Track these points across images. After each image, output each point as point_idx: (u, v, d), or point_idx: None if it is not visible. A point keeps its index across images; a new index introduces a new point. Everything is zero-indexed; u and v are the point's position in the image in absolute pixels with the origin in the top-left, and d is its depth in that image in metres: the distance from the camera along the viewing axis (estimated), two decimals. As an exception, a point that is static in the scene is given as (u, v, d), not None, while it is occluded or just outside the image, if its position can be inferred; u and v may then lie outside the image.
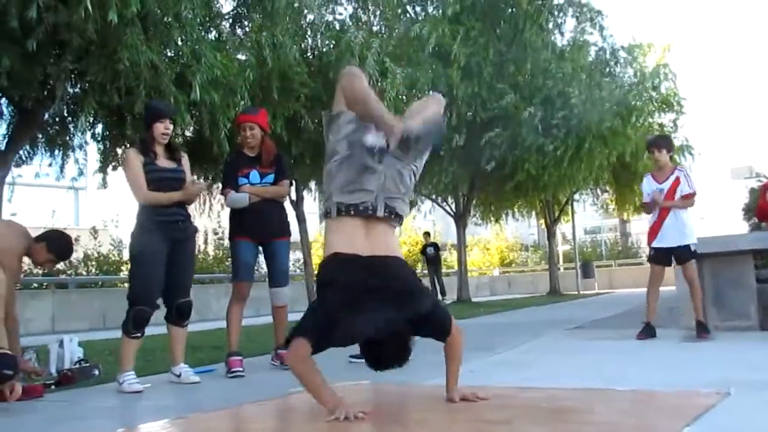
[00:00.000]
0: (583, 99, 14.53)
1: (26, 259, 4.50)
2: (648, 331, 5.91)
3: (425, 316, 2.92)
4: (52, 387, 4.44)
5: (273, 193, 5.01)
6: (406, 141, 2.93)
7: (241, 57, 8.59)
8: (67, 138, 9.47)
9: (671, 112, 19.15)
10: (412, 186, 3.21)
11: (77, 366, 4.85)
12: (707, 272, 6.50)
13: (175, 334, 4.57)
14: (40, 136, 9.17)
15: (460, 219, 18.57)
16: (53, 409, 3.79)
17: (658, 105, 18.31)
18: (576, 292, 23.32)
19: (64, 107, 8.47)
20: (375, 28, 11.35)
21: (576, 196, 23.22)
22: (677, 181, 6.01)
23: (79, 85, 8.12)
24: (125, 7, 6.31)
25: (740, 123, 75.46)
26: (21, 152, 8.88)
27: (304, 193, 12.86)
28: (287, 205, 5.95)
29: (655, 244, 6.02)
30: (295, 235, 7.52)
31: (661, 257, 6.03)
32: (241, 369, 4.78)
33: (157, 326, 4.55)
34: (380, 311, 2.72)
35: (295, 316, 5.32)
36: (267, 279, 5.16)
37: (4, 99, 8.24)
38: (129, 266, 4.64)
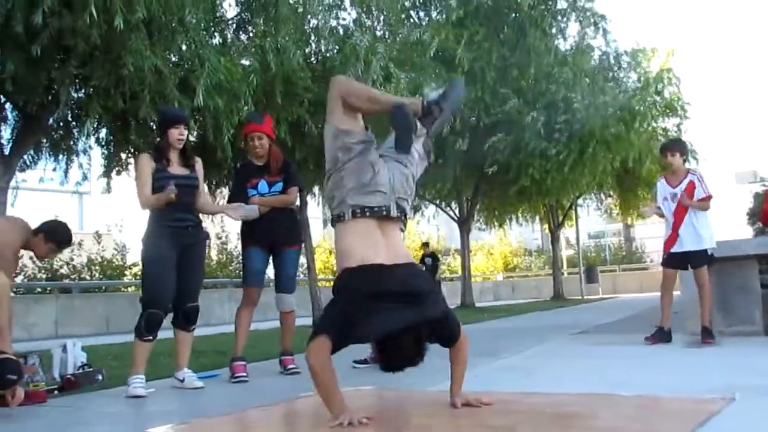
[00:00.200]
0: (586, 104, 14.54)
1: (30, 264, 4.49)
2: (661, 336, 5.86)
3: (439, 321, 2.93)
4: (55, 392, 4.43)
5: (281, 202, 5.03)
6: (430, 109, 2.95)
7: (245, 62, 8.61)
8: (71, 143, 9.49)
9: (675, 116, 19.14)
10: (414, 190, 3.23)
11: (80, 371, 4.84)
12: (713, 277, 6.47)
13: (181, 339, 4.57)
14: (45, 140, 9.19)
15: (464, 224, 18.58)
16: (56, 415, 3.79)
17: (661, 109, 18.31)
18: (580, 297, 23.31)
19: (69, 112, 8.50)
20: (378, 33, 11.36)
21: (580, 201, 23.22)
22: (691, 184, 5.97)
23: (83, 90, 8.15)
24: (131, 13, 6.33)
25: (744, 128, 75.39)
26: (25, 157, 8.91)
27: (308, 198, 12.86)
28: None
29: (673, 250, 5.98)
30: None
31: (675, 261, 5.99)
32: (244, 374, 4.77)
33: (162, 330, 4.54)
34: (399, 311, 2.74)
35: (298, 321, 5.35)
36: (274, 284, 5.17)
37: (8, 104, 8.26)
38: (141, 271, 4.63)
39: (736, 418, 2.73)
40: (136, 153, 9.40)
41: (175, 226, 4.42)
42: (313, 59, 10.06)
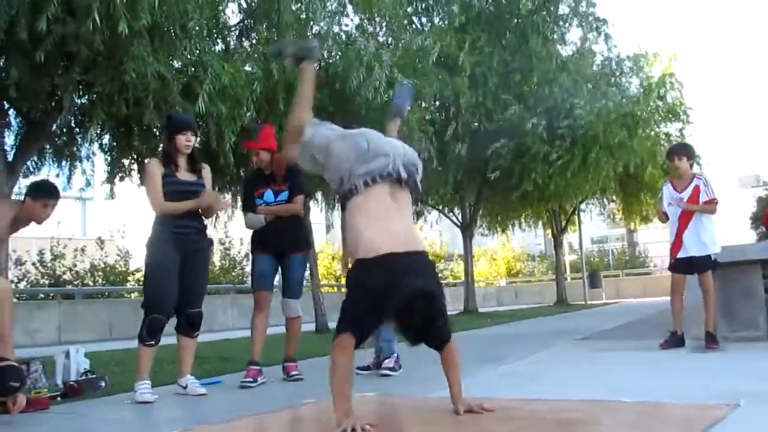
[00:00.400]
0: (588, 110, 14.56)
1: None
2: (674, 341, 5.85)
3: (438, 314, 2.92)
4: (58, 398, 4.43)
5: (286, 212, 5.06)
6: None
7: (248, 68, 8.62)
8: (75, 149, 9.50)
9: (678, 121, 19.13)
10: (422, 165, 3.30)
11: (83, 377, 4.85)
12: (716, 282, 6.45)
13: (184, 345, 4.57)
14: (48, 146, 9.20)
15: (467, 229, 18.56)
16: (58, 421, 3.79)
17: (664, 114, 18.30)
18: (583, 302, 23.28)
19: (72, 118, 8.51)
20: (381, 39, 11.38)
21: (583, 206, 23.21)
22: (696, 189, 5.96)
23: (86, 96, 8.16)
24: (134, 20, 6.34)
25: (747, 132, 75.31)
26: (29, 163, 8.90)
27: (311, 203, 12.87)
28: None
29: (679, 255, 5.97)
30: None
31: (681, 266, 5.98)
32: (251, 380, 4.77)
33: (166, 336, 4.55)
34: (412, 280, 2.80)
35: (302, 327, 5.34)
36: (281, 290, 5.19)
37: (12, 110, 8.28)
38: (144, 275, 4.64)
39: (741, 424, 2.72)
40: (140, 159, 9.43)
41: (179, 232, 4.43)
42: (315, 65, 10.08)
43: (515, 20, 15.38)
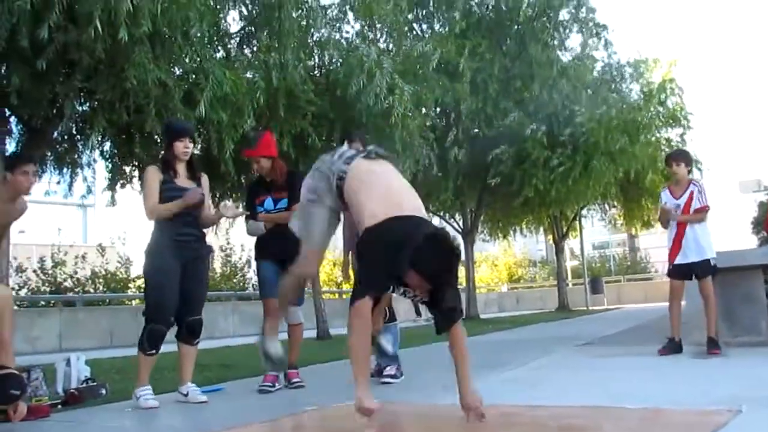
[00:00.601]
0: (589, 116, 14.58)
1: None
2: (672, 347, 5.84)
3: (446, 282, 3.01)
4: (59, 406, 4.42)
5: (284, 219, 5.05)
6: None
7: (249, 75, 8.64)
8: (76, 156, 9.52)
9: (678, 126, 19.13)
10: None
11: (84, 385, 4.84)
12: (717, 287, 6.44)
13: (185, 352, 4.56)
14: (49, 153, 9.22)
15: (468, 235, 18.54)
16: (59, 429, 3.78)
17: (665, 120, 18.31)
18: (585, 308, 23.24)
19: (73, 125, 8.53)
20: (382, 46, 11.41)
21: (584, 212, 23.18)
22: (692, 195, 5.98)
23: (87, 104, 8.18)
24: (135, 27, 6.36)
25: (748, 137, 75.33)
26: (30, 170, 8.92)
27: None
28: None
29: (677, 262, 5.98)
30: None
31: (680, 272, 5.98)
32: (269, 384, 4.82)
33: (166, 344, 4.54)
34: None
35: (303, 334, 5.34)
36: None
37: (13, 117, 8.29)
38: (144, 284, 4.64)
39: (743, 430, 2.71)
40: (141, 166, 9.43)
41: (178, 240, 4.43)
42: (316, 72, 10.10)
43: (515, 26, 15.40)
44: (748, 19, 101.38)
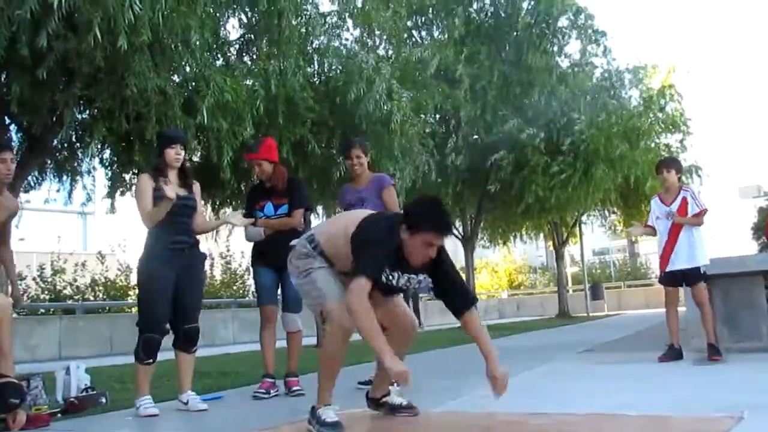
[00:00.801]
0: (589, 123, 14.60)
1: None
2: (672, 354, 5.83)
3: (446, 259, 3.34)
4: (59, 415, 4.40)
5: (285, 225, 5.05)
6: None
7: (248, 83, 8.64)
8: (76, 164, 9.51)
9: (678, 132, 19.15)
10: None
11: (84, 393, 4.82)
12: (717, 293, 6.45)
13: (182, 360, 4.54)
14: (49, 161, 9.22)
15: (468, 242, 18.52)
16: (59, 438, 3.77)
17: (664, 126, 18.33)
18: (585, 314, 23.22)
19: (73, 133, 8.53)
20: (381, 53, 11.43)
21: (584, 218, 23.18)
22: (684, 201, 5.99)
23: (87, 112, 8.18)
24: (136, 36, 6.36)
25: (748, 142, 75.25)
26: (30, 178, 8.93)
27: (312, 217, 12.86)
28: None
29: (668, 269, 5.98)
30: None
31: (671, 279, 5.99)
32: (264, 392, 4.85)
33: (164, 351, 4.53)
34: None
35: (303, 341, 5.33)
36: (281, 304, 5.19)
37: (13, 125, 8.30)
38: (137, 294, 4.64)
39: (745, 437, 2.70)
40: (140, 174, 9.43)
41: (172, 248, 4.42)
42: (315, 79, 10.11)
43: (514, 33, 15.43)
44: (747, 24, 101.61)
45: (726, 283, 6.41)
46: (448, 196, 15.08)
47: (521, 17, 14.92)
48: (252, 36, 9.47)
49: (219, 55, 9.09)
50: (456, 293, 3.36)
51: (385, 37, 11.54)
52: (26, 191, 9.16)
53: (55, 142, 8.59)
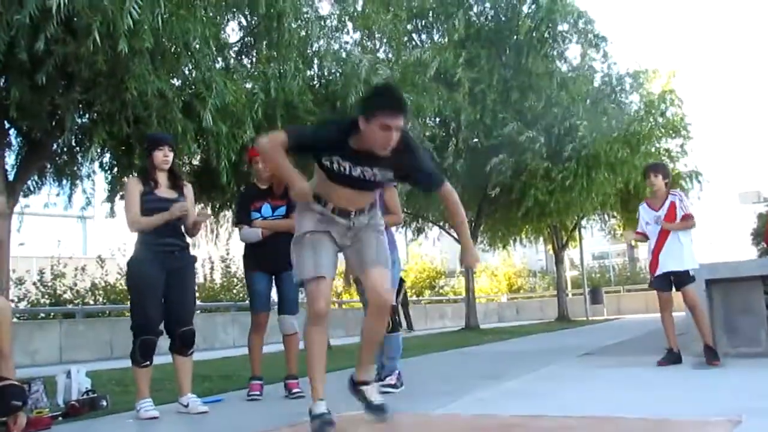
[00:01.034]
0: (589, 128, 14.61)
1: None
2: (671, 358, 5.84)
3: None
4: (60, 418, 4.41)
5: (284, 227, 5.02)
6: None
7: (248, 86, 8.65)
8: (76, 168, 9.50)
9: (678, 137, 19.17)
10: None
11: (85, 397, 4.83)
12: (716, 298, 6.46)
13: (180, 364, 4.54)
14: (49, 166, 9.21)
15: (468, 245, 18.52)
16: (60, 441, 3.77)
17: (665, 131, 18.35)
18: (585, 318, 23.21)
19: (73, 137, 8.53)
20: (381, 56, 11.44)
21: (583, 222, 23.19)
22: (673, 205, 6.02)
23: (87, 116, 8.18)
24: (136, 40, 6.37)
25: (748, 148, 75.31)
26: (29, 182, 8.93)
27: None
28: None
29: (657, 273, 6.00)
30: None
31: (662, 282, 5.99)
32: (257, 393, 4.93)
33: (164, 355, 4.54)
34: None
35: (300, 344, 5.33)
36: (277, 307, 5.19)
37: (13, 129, 8.30)
38: (128, 297, 4.65)
39: (743, 440, 2.71)
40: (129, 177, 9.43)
41: (161, 251, 4.43)
42: (315, 83, 10.12)
43: (515, 37, 15.46)
44: (747, 29, 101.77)
45: (725, 288, 6.42)
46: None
47: (521, 21, 14.93)
48: (251, 39, 9.48)
49: (218, 59, 9.10)
50: (418, 180, 3.51)
51: (385, 40, 11.55)
52: (26, 195, 9.16)
53: (55, 146, 8.59)
